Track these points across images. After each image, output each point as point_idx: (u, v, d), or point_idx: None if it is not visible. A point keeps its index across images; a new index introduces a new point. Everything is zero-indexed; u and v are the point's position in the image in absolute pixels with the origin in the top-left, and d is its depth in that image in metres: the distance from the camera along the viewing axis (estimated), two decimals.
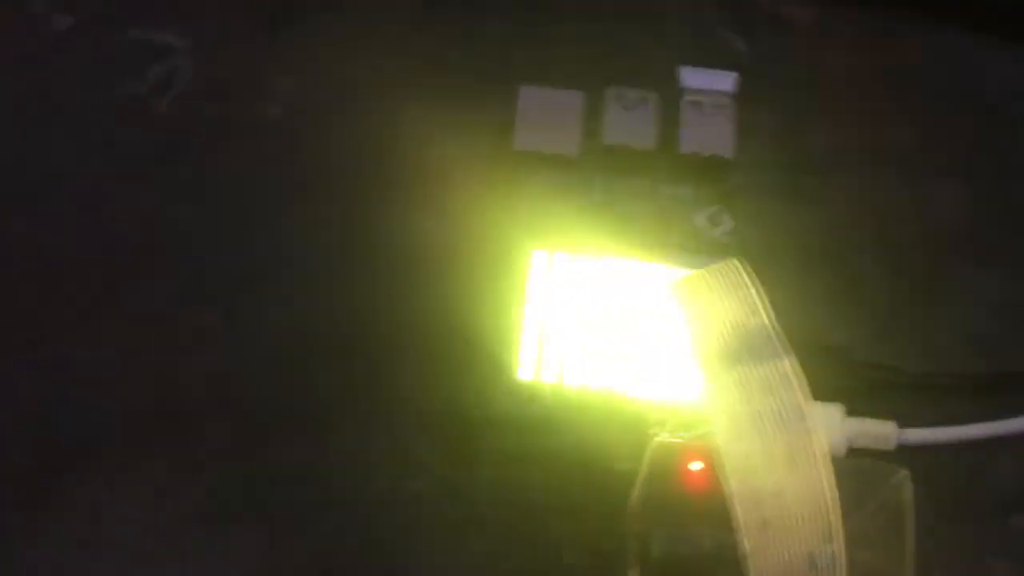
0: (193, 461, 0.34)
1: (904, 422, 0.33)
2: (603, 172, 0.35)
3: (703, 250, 0.34)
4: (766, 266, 0.30)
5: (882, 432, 0.32)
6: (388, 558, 0.33)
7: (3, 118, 0.40)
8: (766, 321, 0.26)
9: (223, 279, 0.37)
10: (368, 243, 0.37)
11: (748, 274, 0.28)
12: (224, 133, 0.40)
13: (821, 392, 0.32)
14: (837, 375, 0.34)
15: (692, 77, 0.36)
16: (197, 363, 0.35)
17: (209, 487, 0.33)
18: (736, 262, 0.29)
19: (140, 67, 0.41)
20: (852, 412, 0.33)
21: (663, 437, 0.28)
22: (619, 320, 0.33)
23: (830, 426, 0.32)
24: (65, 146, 0.39)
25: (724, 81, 0.36)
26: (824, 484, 0.25)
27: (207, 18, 0.42)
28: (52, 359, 0.35)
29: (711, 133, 0.35)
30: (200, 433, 0.34)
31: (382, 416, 0.34)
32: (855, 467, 0.29)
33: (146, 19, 0.42)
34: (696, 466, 0.30)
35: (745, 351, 0.26)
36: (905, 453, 0.33)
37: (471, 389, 0.32)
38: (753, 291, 0.27)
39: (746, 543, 0.26)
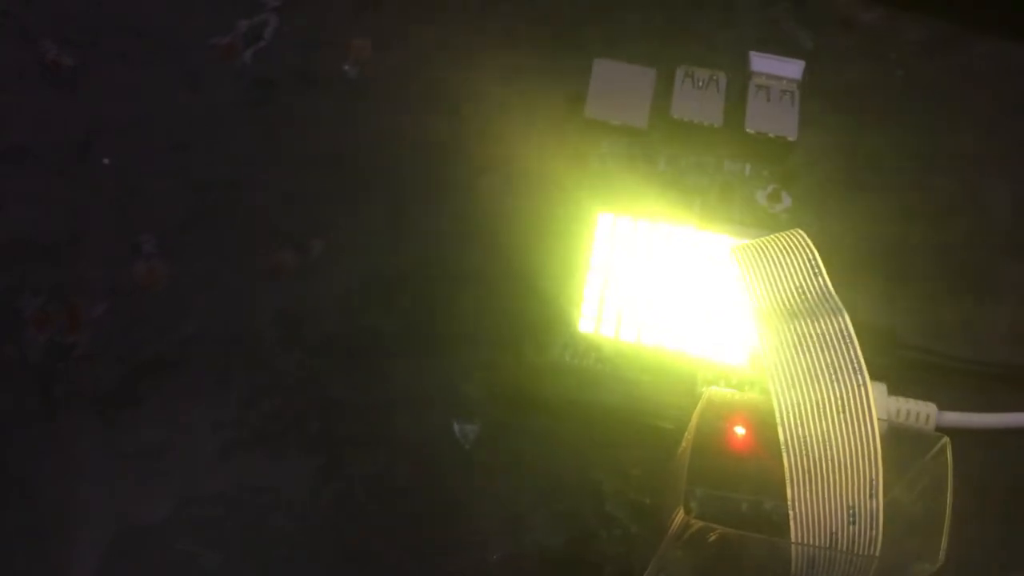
0: (259, 388, 0.35)
1: (944, 407, 0.35)
2: (669, 145, 0.37)
3: (762, 225, 0.35)
4: (818, 249, 0.31)
5: (923, 411, 0.33)
6: (435, 493, 0.34)
7: (103, 61, 0.41)
8: (826, 282, 0.27)
9: (296, 221, 0.38)
10: (438, 197, 0.39)
11: (809, 241, 0.29)
12: (304, 86, 0.41)
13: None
14: (882, 356, 0.35)
15: (761, 62, 0.37)
16: (269, 298, 0.37)
17: (271, 413, 0.35)
18: (799, 231, 0.30)
19: (231, 19, 0.42)
20: (893, 394, 0.34)
21: (715, 388, 0.29)
22: (677, 282, 0.34)
23: (875, 398, 0.33)
24: (158, 87, 0.41)
25: (792, 68, 0.37)
26: (873, 438, 0.26)
27: None
28: (139, 283, 0.37)
29: (776, 115, 0.36)
30: (267, 363, 0.36)
31: (441, 357, 0.36)
32: (898, 434, 0.30)
33: None
34: (740, 430, 0.31)
35: (805, 308, 0.27)
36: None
37: (531, 336, 0.34)
38: (815, 255, 0.28)
39: (789, 491, 0.27)
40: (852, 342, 0.26)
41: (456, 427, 0.35)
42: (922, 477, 0.29)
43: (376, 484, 0.34)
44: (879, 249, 0.39)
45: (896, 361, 0.35)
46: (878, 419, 0.27)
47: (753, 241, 0.30)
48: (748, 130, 0.36)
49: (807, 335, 0.26)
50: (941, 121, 0.42)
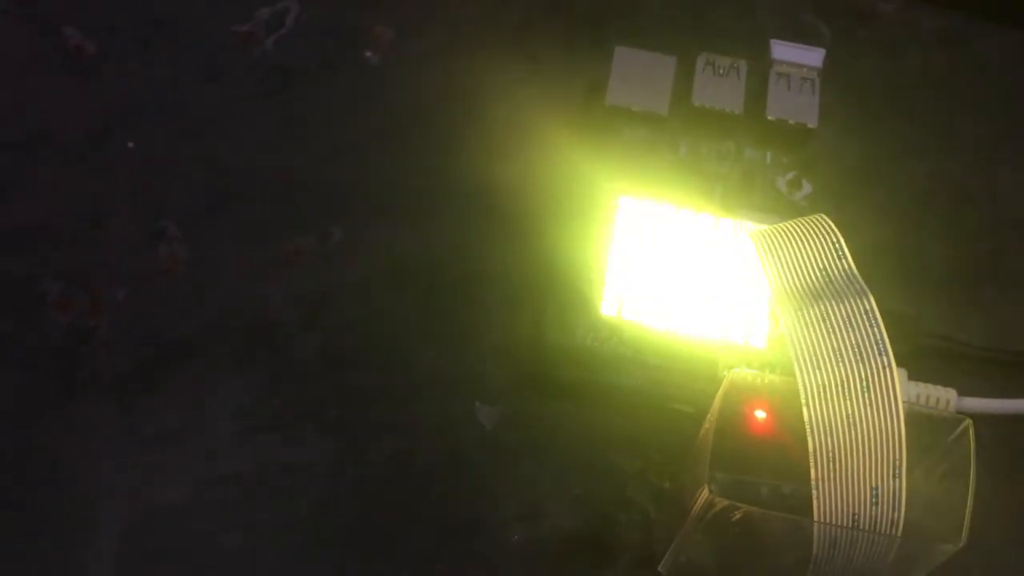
0: (280, 373, 0.36)
1: (962, 393, 0.35)
2: (690, 132, 0.37)
3: (781, 211, 0.35)
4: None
5: (943, 396, 0.34)
6: (455, 477, 0.34)
7: (125, 47, 0.42)
8: (851, 264, 0.28)
9: (318, 208, 0.39)
10: (460, 182, 0.39)
11: (833, 225, 0.29)
12: (325, 74, 0.42)
13: None
14: (902, 343, 0.35)
15: (782, 50, 0.37)
16: (291, 283, 0.37)
17: (293, 398, 0.35)
18: (823, 215, 0.30)
19: (252, 7, 0.43)
20: (913, 379, 0.34)
21: (738, 370, 0.29)
22: (699, 267, 0.34)
23: None
24: (180, 75, 0.41)
25: (812, 56, 0.37)
26: (897, 418, 0.26)
27: None
28: (161, 266, 0.37)
29: (797, 103, 0.36)
30: (289, 348, 0.36)
31: (463, 341, 0.36)
32: (918, 418, 0.30)
33: None
34: (760, 414, 0.31)
35: (830, 290, 0.27)
36: None
37: (552, 321, 0.34)
38: (840, 238, 0.28)
39: (813, 472, 0.27)
40: (877, 322, 0.26)
41: (477, 410, 0.35)
42: (944, 460, 0.29)
43: (396, 468, 0.34)
44: (897, 237, 0.39)
45: (916, 348, 0.35)
46: (904, 402, 0.27)
47: (777, 224, 0.30)
48: (769, 117, 0.36)
49: (832, 316, 0.26)
50: (957, 111, 0.42)
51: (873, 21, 0.44)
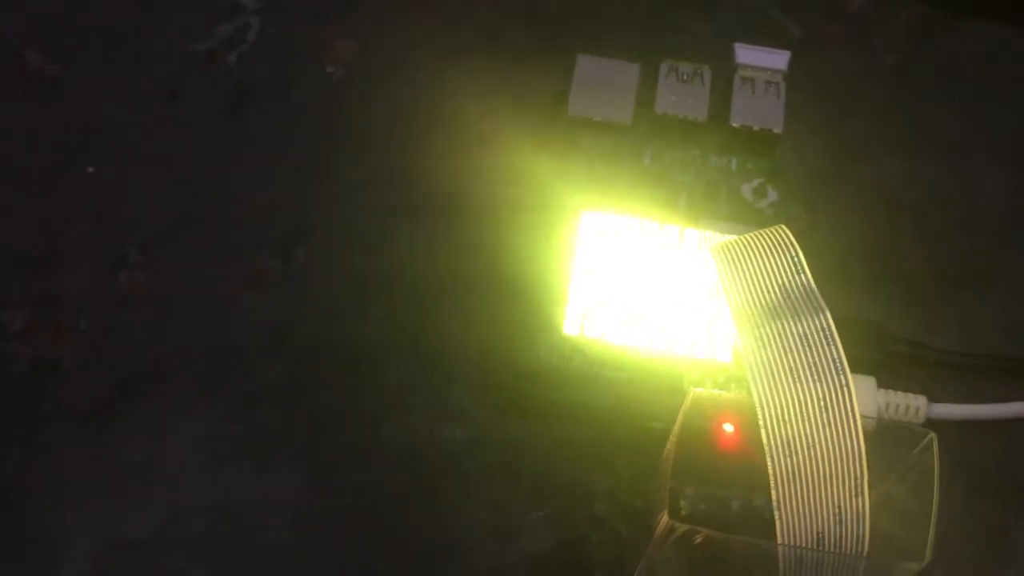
0: (244, 399, 0.35)
1: (933, 400, 0.34)
2: (654, 141, 0.36)
3: (747, 220, 0.35)
4: (806, 241, 0.31)
5: (912, 404, 0.33)
6: (423, 502, 0.34)
7: (86, 69, 0.41)
8: (809, 280, 0.27)
9: (280, 228, 0.38)
10: (420, 197, 0.38)
11: (792, 238, 0.29)
12: (287, 90, 0.41)
13: (854, 365, 0.33)
14: (870, 349, 0.35)
15: (746, 54, 0.37)
16: (254, 307, 0.37)
17: (257, 424, 0.35)
18: (782, 226, 0.30)
19: (212, 23, 0.42)
20: (883, 387, 0.34)
21: (701, 390, 0.29)
22: (663, 282, 0.34)
23: (862, 394, 0.32)
24: (142, 95, 0.41)
25: (777, 59, 0.37)
26: (856, 437, 0.25)
27: None
28: (120, 296, 0.37)
29: (762, 108, 0.36)
30: (251, 374, 0.36)
31: (425, 364, 0.35)
32: (884, 430, 0.29)
33: None
34: (728, 428, 0.31)
35: (787, 307, 0.27)
36: (934, 430, 0.33)
37: (515, 340, 0.33)
38: (799, 252, 0.28)
39: (774, 494, 0.26)
40: (834, 340, 0.26)
41: (443, 433, 0.34)
42: (912, 471, 0.29)
43: (364, 494, 0.34)
44: (868, 240, 0.38)
45: (885, 355, 0.35)
46: (865, 417, 0.26)
47: (734, 239, 0.30)
48: (733, 124, 0.36)
49: (789, 334, 0.26)
50: (930, 107, 0.42)
51: (844, 17, 0.44)
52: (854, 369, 0.33)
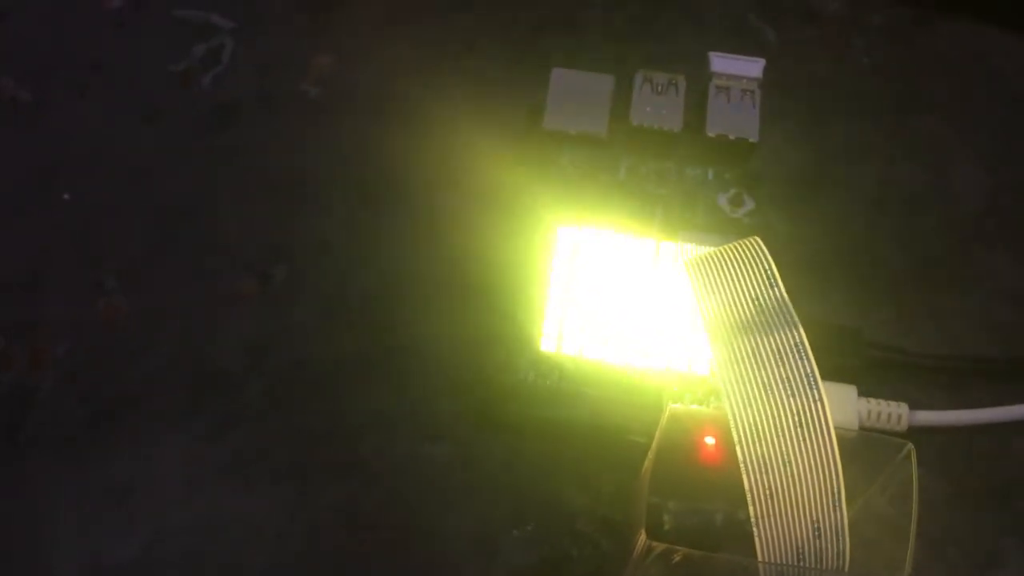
0: (227, 419, 0.35)
1: (916, 406, 0.34)
2: (630, 153, 0.36)
3: (725, 230, 0.34)
4: (787, 248, 0.31)
5: (895, 412, 0.33)
6: (405, 519, 0.34)
7: (61, 94, 0.41)
8: (782, 293, 0.27)
9: (258, 248, 0.38)
10: (397, 215, 0.38)
11: (765, 250, 0.29)
12: (265, 109, 0.41)
13: (835, 373, 0.33)
14: (852, 356, 0.35)
15: (721, 63, 0.37)
16: (234, 327, 0.37)
17: (241, 444, 0.35)
18: (756, 239, 0.29)
19: (187, 45, 0.42)
20: (865, 394, 0.34)
21: (678, 406, 0.29)
22: (641, 296, 0.33)
23: (843, 403, 0.32)
24: (118, 118, 0.41)
25: (752, 68, 0.37)
26: (832, 451, 0.25)
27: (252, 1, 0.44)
28: (101, 318, 0.37)
29: (738, 117, 0.36)
30: (235, 393, 0.35)
31: (406, 380, 0.35)
32: (863, 442, 0.29)
33: (194, 2, 0.43)
34: (709, 440, 0.31)
35: (760, 321, 0.26)
36: (918, 437, 0.33)
37: (493, 358, 0.33)
38: (772, 265, 0.27)
39: (752, 510, 0.26)
40: (807, 355, 0.25)
41: (425, 451, 0.34)
42: (893, 481, 0.29)
43: (346, 511, 0.34)
44: (848, 244, 0.38)
45: (866, 361, 0.34)
46: (843, 429, 0.26)
47: (706, 252, 0.29)
48: (709, 134, 0.35)
49: (762, 350, 0.26)
50: (907, 108, 0.41)
51: (820, 20, 0.44)
52: (835, 377, 0.33)
